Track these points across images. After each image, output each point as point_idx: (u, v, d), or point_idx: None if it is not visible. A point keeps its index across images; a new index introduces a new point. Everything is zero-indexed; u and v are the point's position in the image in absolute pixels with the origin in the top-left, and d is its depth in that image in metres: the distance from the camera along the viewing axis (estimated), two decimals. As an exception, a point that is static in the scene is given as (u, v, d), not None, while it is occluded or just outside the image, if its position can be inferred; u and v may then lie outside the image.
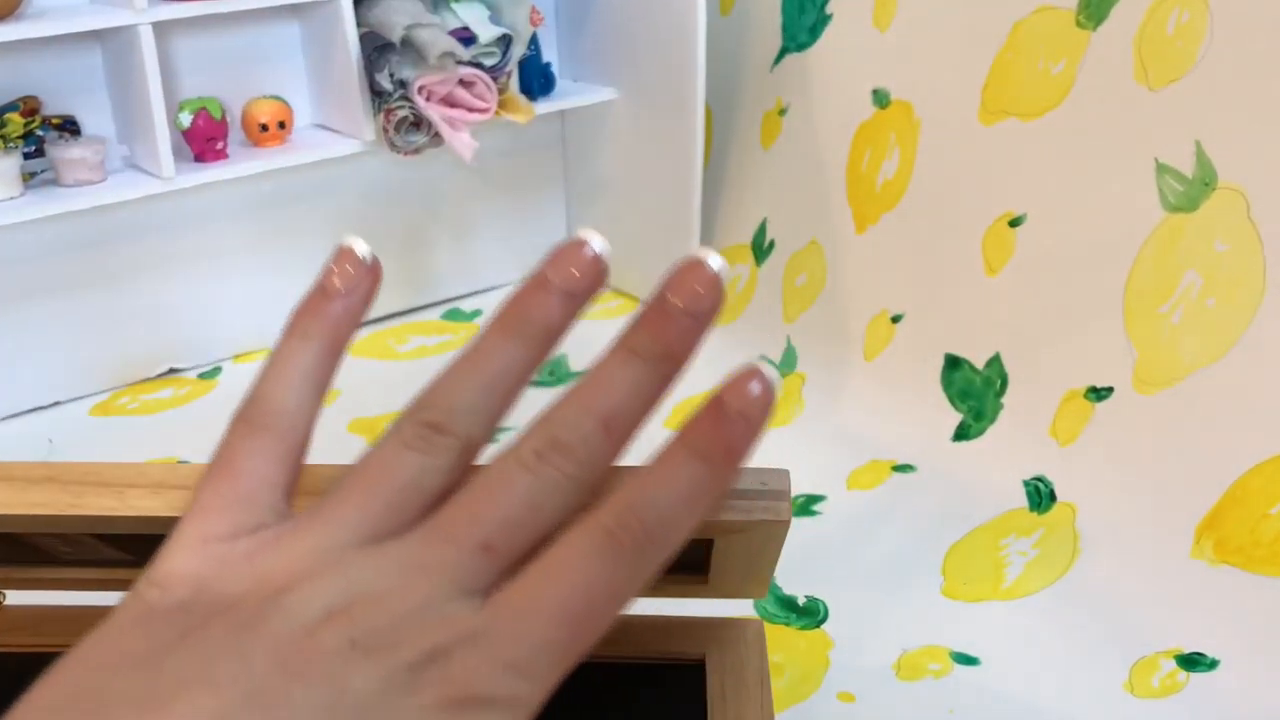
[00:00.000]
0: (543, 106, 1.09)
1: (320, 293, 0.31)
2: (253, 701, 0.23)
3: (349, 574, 0.26)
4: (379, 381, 1.03)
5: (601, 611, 0.26)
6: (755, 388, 0.29)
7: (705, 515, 0.27)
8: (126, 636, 0.25)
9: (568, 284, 0.30)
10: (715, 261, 0.30)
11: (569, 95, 1.13)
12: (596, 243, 0.31)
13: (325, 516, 0.27)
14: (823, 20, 1.01)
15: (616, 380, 0.29)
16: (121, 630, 0.25)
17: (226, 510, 0.28)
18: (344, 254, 0.32)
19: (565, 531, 0.27)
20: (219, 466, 0.29)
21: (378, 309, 1.18)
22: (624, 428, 0.29)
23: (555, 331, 0.30)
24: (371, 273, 0.32)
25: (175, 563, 0.27)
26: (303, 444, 0.30)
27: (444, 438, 0.28)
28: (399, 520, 0.27)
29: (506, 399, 0.30)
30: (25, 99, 0.94)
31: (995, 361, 0.85)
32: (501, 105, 1.03)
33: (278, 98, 1.02)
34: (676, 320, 0.30)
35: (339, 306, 0.31)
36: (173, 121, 0.95)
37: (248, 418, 0.29)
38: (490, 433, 0.29)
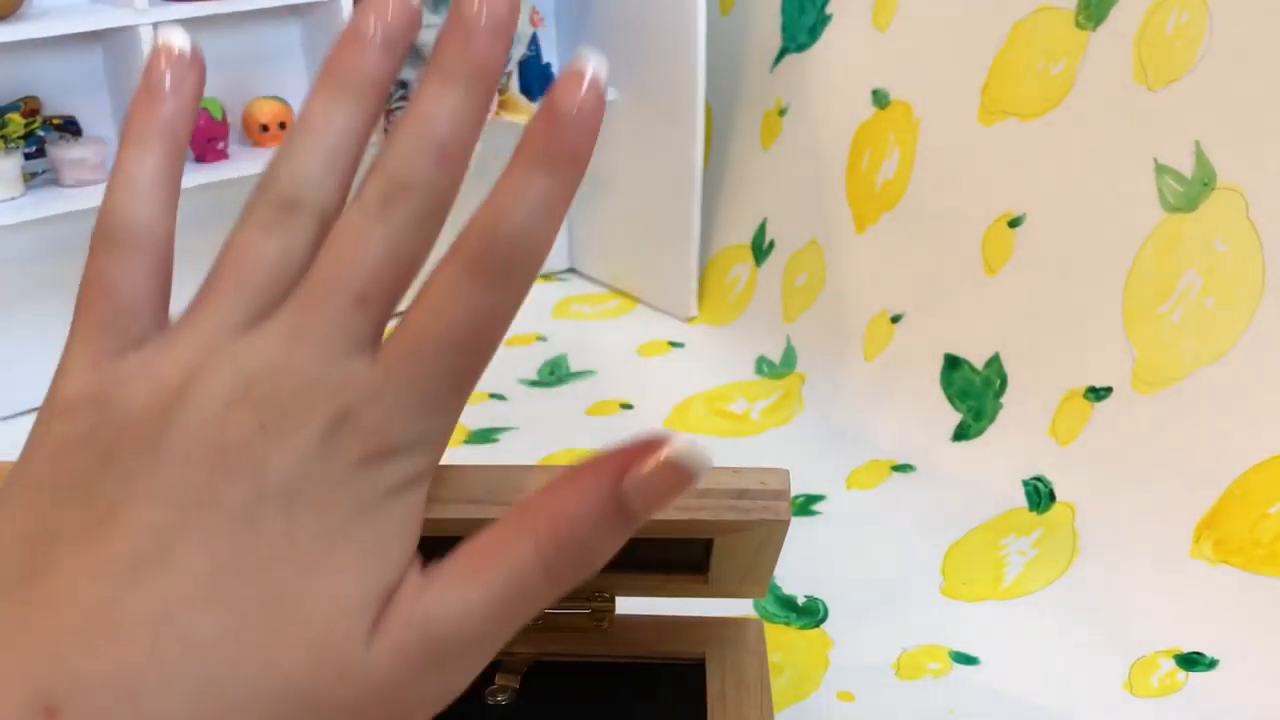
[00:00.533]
0: (543, 107, 1.09)
1: (148, 96, 0.30)
2: (183, 508, 0.24)
3: (238, 360, 0.26)
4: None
5: (487, 335, 0.27)
6: (585, 85, 0.29)
7: (560, 222, 0.28)
8: (47, 472, 0.26)
9: (383, 32, 0.30)
10: None
11: (569, 95, 1.13)
12: None
13: (201, 314, 0.27)
14: (822, 20, 1.01)
15: (439, 108, 0.28)
16: (40, 467, 0.26)
17: (108, 328, 0.28)
18: (164, 51, 0.31)
19: (433, 268, 0.28)
20: (90, 288, 0.28)
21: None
22: (458, 153, 0.29)
23: (382, 83, 0.30)
24: (196, 65, 0.31)
25: (71, 389, 0.27)
26: (167, 254, 0.30)
27: (297, 213, 0.28)
28: (273, 300, 0.27)
29: (351, 161, 0.30)
30: (26, 99, 0.94)
31: (995, 361, 0.85)
32: (501, 106, 1.03)
33: (278, 98, 1.02)
34: (478, 34, 0.29)
35: (170, 108, 0.30)
36: (173, 122, 0.95)
37: (105, 236, 0.29)
38: (342, 198, 0.29)
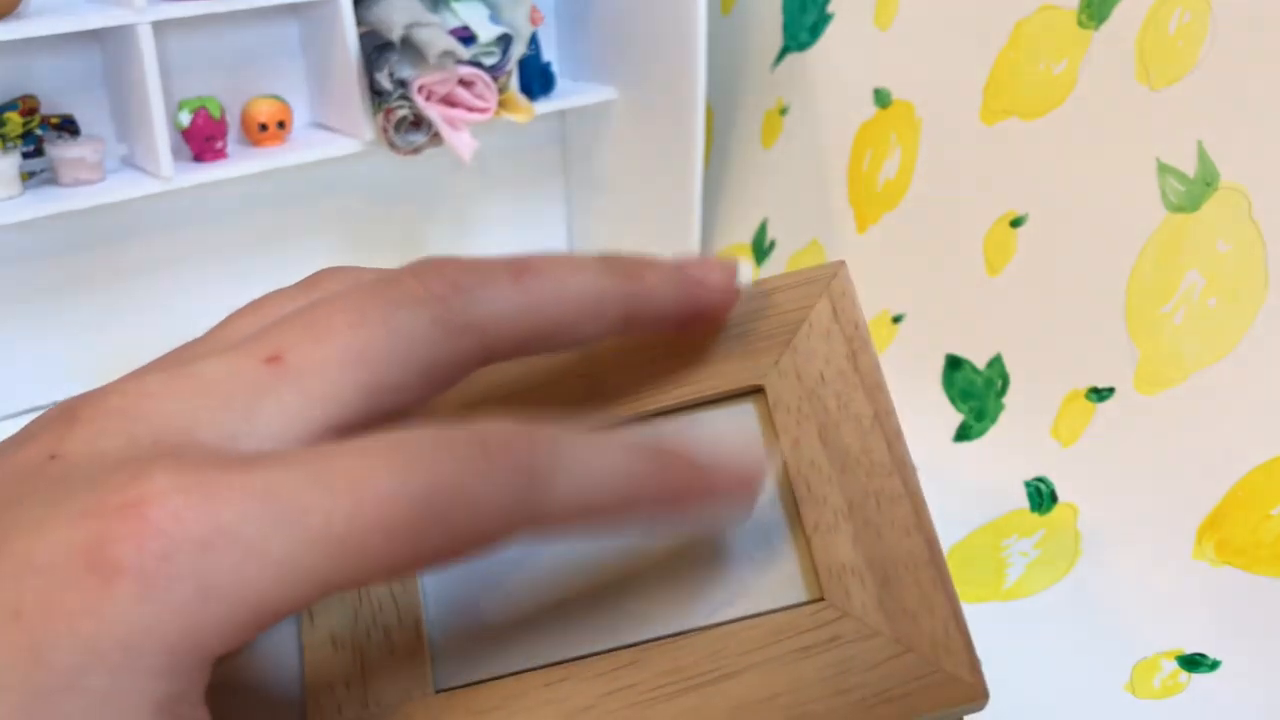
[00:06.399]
0: (542, 106, 1.09)
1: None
2: None
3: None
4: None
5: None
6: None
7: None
8: None
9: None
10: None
11: (569, 95, 1.13)
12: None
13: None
14: (824, 19, 1.00)
15: (569, 281, 0.23)
16: None
17: None
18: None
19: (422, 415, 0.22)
20: None
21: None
22: (547, 307, 0.23)
23: None
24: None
25: None
26: None
27: None
28: None
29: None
30: (23, 98, 0.93)
31: (996, 362, 0.85)
32: (501, 105, 1.03)
33: (277, 97, 1.01)
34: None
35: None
36: (172, 121, 0.95)
37: None
38: None
